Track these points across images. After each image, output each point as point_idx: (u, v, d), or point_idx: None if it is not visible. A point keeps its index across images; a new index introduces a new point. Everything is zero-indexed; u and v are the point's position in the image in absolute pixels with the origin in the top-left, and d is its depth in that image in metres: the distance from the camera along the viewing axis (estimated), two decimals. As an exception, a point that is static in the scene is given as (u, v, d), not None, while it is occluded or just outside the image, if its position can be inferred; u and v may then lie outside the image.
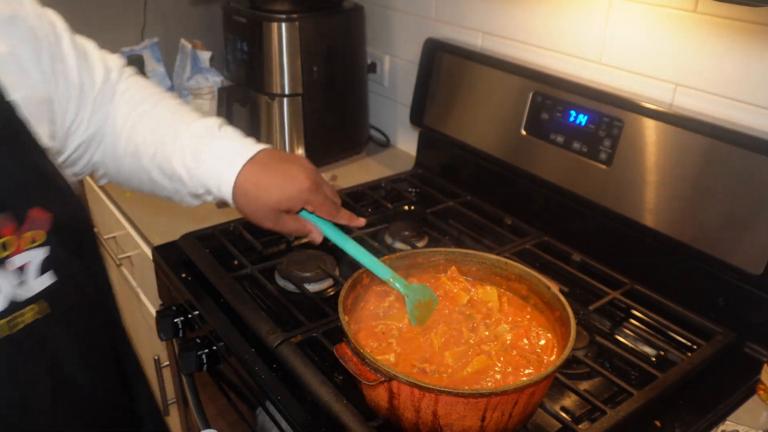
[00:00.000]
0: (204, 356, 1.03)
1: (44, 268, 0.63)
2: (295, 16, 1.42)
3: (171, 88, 1.70)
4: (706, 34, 0.99)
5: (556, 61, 1.22)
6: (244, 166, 0.82)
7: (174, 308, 1.12)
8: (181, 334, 1.12)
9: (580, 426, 0.80)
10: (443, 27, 1.44)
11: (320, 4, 1.48)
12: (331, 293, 1.06)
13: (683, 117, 1.00)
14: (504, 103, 1.27)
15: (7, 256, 0.60)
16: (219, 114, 1.48)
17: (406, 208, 1.36)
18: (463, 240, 1.20)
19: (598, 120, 1.11)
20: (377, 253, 0.98)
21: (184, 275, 1.10)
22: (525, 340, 0.81)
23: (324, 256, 1.10)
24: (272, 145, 1.51)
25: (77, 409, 0.70)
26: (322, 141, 1.55)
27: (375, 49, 1.65)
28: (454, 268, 0.91)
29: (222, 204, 1.38)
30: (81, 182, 1.70)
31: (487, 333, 0.82)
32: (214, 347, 1.03)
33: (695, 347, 0.95)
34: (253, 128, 1.54)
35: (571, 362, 0.90)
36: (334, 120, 1.56)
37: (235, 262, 1.12)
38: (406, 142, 1.66)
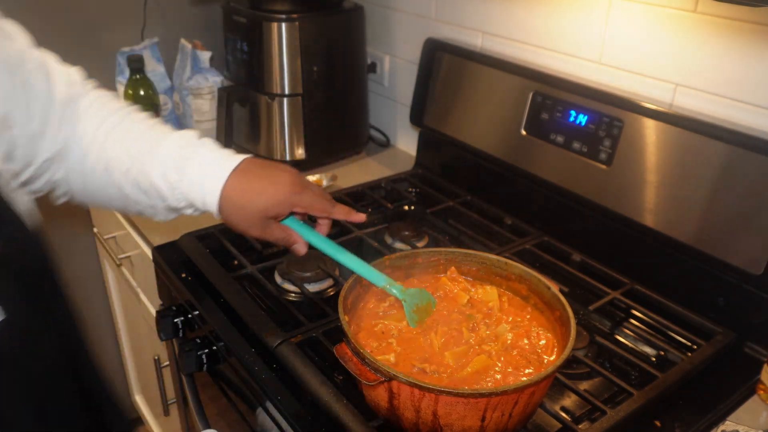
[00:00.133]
0: (204, 356, 1.03)
1: None
2: (295, 16, 1.42)
3: (171, 88, 1.70)
4: (706, 34, 0.99)
5: (556, 61, 1.22)
6: (230, 175, 0.81)
7: (174, 308, 1.12)
8: (181, 334, 1.12)
9: (580, 426, 0.80)
10: (443, 27, 1.44)
11: (320, 4, 1.48)
12: (331, 293, 1.06)
13: (683, 117, 1.00)
14: (504, 103, 1.27)
15: None
16: (219, 114, 1.48)
17: (406, 208, 1.36)
18: (463, 240, 1.20)
19: (598, 120, 1.11)
20: (377, 253, 0.98)
21: (184, 275, 1.10)
22: (525, 340, 0.81)
23: (324, 256, 1.09)
24: (272, 145, 1.51)
25: None
26: (322, 141, 1.55)
27: (375, 49, 1.65)
28: (453, 268, 0.91)
29: None
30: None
31: (487, 332, 0.82)
32: (214, 347, 1.03)
33: (695, 347, 0.95)
34: (253, 128, 1.54)
35: (571, 362, 0.90)
36: (334, 120, 1.56)
37: (235, 262, 1.12)
38: (406, 142, 1.66)
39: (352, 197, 1.36)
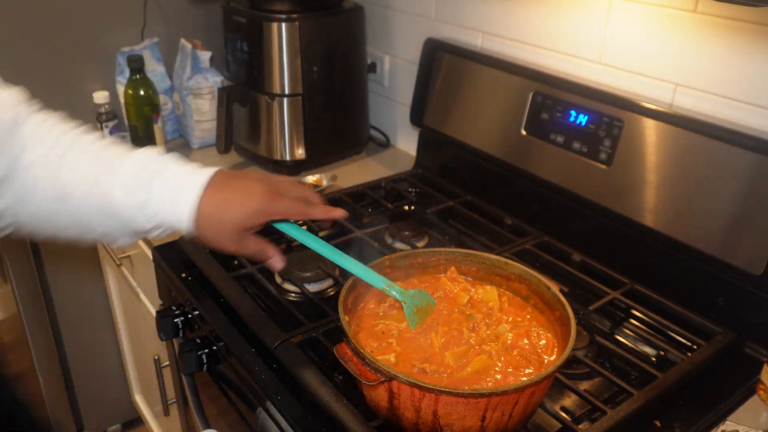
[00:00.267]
0: (204, 356, 1.03)
1: None
2: (295, 16, 1.42)
3: (171, 88, 1.70)
4: (706, 34, 0.99)
5: (556, 61, 1.22)
6: (204, 188, 0.77)
7: (174, 308, 1.12)
8: (181, 334, 1.12)
9: (580, 426, 0.80)
10: (443, 27, 1.45)
11: (320, 4, 1.48)
12: (331, 293, 1.06)
13: (683, 117, 1.00)
14: (504, 103, 1.27)
15: None
16: (219, 114, 1.48)
17: (406, 208, 1.36)
18: (463, 240, 1.20)
19: (598, 120, 1.11)
20: (377, 253, 0.98)
21: (184, 275, 1.10)
22: (525, 340, 0.81)
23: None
24: (272, 145, 1.51)
25: None
26: (322, 141, 1.55)
27: (375, 49, 1.65)
28: (453, 268, 0.91)
29: None
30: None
31: (487, 332, 0.82)
32: (214, 347, 1.03)
33: (695, 347, 0.95)
34: (253, 128, 1.54)
35: (571, 362, 0.90)
36: (334, 120, 1.56)
37: (235, 262, 1.12)
38: (406, 142, 1.66)
39: (352, 197, 1.36)
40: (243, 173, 0.84)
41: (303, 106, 1.49)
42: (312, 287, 1.06)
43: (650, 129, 1.04)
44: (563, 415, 0.81)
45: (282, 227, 0.84)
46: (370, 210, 1.34)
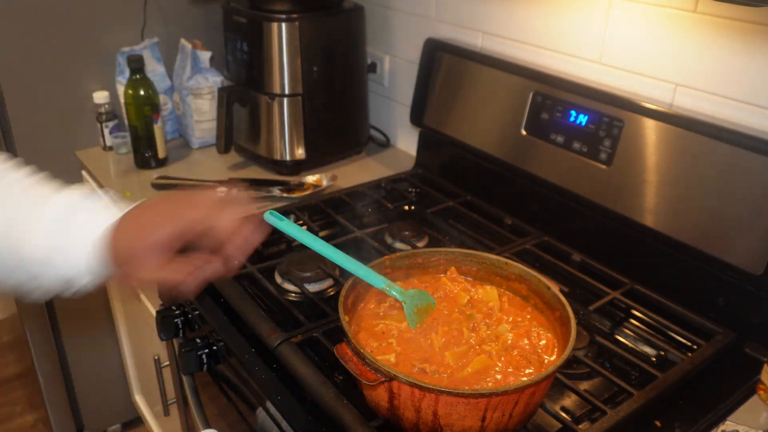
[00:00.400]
0: (204, 356, 1.03)
1: None
2: (295, 16, 1.42)
3: (171, 88, 1.70)
4: (706, 34, 0.99)
5: (556, 61, 1.22)
6: (122, 217, 0.70)
7: (174, 308, 1.12)
8: (181, 334, 1.12)
9: (580, 426, 0.80)
10: (443, 27, 1.45)
11: (320, 4, 1.48)
12: (331, 293, 1.06)
13: (683, 117, 1.00)
14: (504, 103, 1.27)
15: None
16: (219, 114, 1.48)
17: (406, 208, 1.36)
18: (463, 240, 1.20)
19: (598, 120, 1.11)
20: (377, 253, 0.98)
21: (184, 275, 1.09)
22: (525, 340, 0.81)
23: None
24: (272, 145, 1.51)
25: None
26: (322, 141, 1.55)
27: (375, 49, 1.65)
28: (453, 268, 0.91)
29: None
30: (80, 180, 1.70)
31: (488, 332, 0.82)
32: (214, 347, 1.03)
33: (695, 347, 0.95)
34: (253, 128, 1.54)
35: (571, 362, 0.90)
36: (334, 120, 1.56)
37: (235, 262, 1.12)
38: (406, 142, 1.66)
39: (352, 197, 1.36)
40: (179, 192, 0.76)
41: (303, 106, 1.49)
42: (312, 287, 1.06)
43: (650, 129, 1.04)
44: (563, 415, 0.81)
45: (282, 227, 0.84)
46: (370, 210, 1.34)
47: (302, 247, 0.86)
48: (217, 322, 0.99)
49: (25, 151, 1.62)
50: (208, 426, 1.09)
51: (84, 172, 1.67)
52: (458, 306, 0.87)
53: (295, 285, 1.05)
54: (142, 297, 1.50)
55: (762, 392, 0.87)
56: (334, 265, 1.07)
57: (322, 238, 0.86)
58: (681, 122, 1.00)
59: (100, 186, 1.53)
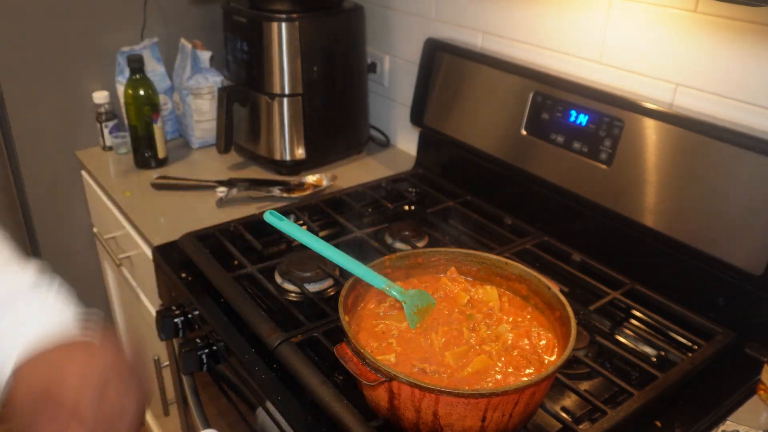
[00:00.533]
0: (204, 356, 1.03)
1: None
2: (295, 16, 1.42)
3: (171, 88, 1.70)
4: (706, 34, 0.99)
5: (556, 61, 1.22)
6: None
7: (174, 308, 1.12)
8: (181, 334, 1.12)
9: (580, 426, 0.80)
10: (443, 27, 1.44)
11: (320, 4, 1.48)
12: (331, 293, 1.06)
13: (683, 117, 1.00)
14: (504, 103, 1.27)
15: None
16: (219, 114, 1.48)
17: (406, 208, 1.36)
18: (463, 240, 1.20)
19: (598, 120, 1.11)
20: (377, 253, 0.98)
21: (184, 275, 1.10)
22: (526, 340, 0.81)
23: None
24: (272, 145, 1.51)
25: None
26: (322, 141, 1.55)
27: (375, 49, 1.65)
28: (453, 268, 0.91)
29: (222, 203, 1.37)
30: (80, 182, 1.70)
31: (488, 333, 0.82)
32: (214, 347, 1.03)
33: (695, 347, 0.95)
34: (253, 128, 1.54)
35: (571, 362, 0.90)
36: (334, 120, 1.56)
37: (235, 262, 1.12)
38: (406, 142, 1.66)
39: (352, 197, 1.36)
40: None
41: (303, 106, 1.49)
42: (312, 287, 1.06)
43: (650, 129, 1.04)
44: (563, 415, 0.81)
45: (282, 227, 0.84)
46: (370, 210, 1.34)
47: (302, 247, 0.86)
48: (217, 322, 0.99)
49: (25, 151, 1.62)
50: (208, 426, 1.09)
51: (84, 172, 1.67)
52: (458, 306, 0.87)
53: (295, 285, 1.05)
54: (142, 297, 1.50)
55: (762, 392, 0.87)
56: (334, 265, 1.08)
57: (322, 238, 0.86)
58: (681, 122, 1.00)
59: (100, 186, 1.53)
